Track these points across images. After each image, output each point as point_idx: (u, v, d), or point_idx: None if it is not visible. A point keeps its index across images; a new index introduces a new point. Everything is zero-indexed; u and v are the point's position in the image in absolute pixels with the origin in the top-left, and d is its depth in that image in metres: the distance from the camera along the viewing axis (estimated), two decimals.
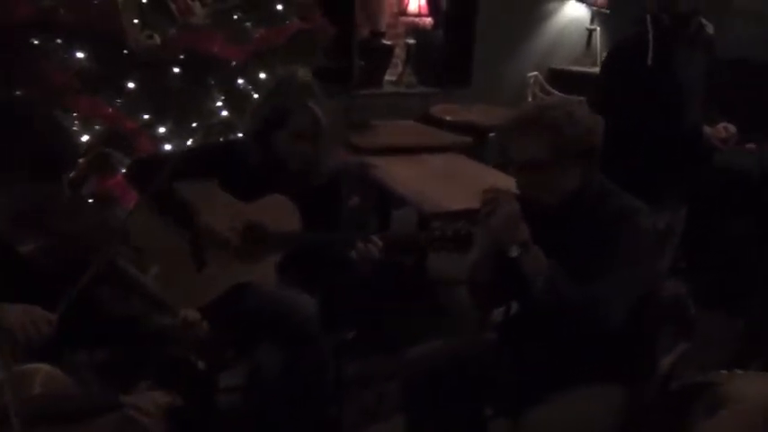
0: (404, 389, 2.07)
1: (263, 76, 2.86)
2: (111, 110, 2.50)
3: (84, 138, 2.63)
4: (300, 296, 2.10)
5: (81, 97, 2.49)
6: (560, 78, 5.36)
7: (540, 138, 1.76)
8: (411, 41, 4.85)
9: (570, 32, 5.56)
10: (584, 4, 5.43)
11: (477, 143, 4.27)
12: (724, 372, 1.61)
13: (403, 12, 4.76)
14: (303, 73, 3.05)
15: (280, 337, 2.04)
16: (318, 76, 4.00)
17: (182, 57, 2.51)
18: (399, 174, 3.43)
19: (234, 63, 2.56)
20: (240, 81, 2.61)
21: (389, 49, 4.74)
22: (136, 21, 2.43)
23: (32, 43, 2.46)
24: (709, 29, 2.63)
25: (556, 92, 5.16)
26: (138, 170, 2.19)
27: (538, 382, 1.89)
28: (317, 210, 2.21)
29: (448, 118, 4.58)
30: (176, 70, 2.52)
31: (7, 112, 1.61)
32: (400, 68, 4.97)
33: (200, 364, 2.23)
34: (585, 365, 1.83)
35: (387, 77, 4.98)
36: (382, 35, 4.71)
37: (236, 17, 2.59)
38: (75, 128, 2.63)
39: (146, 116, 2.53)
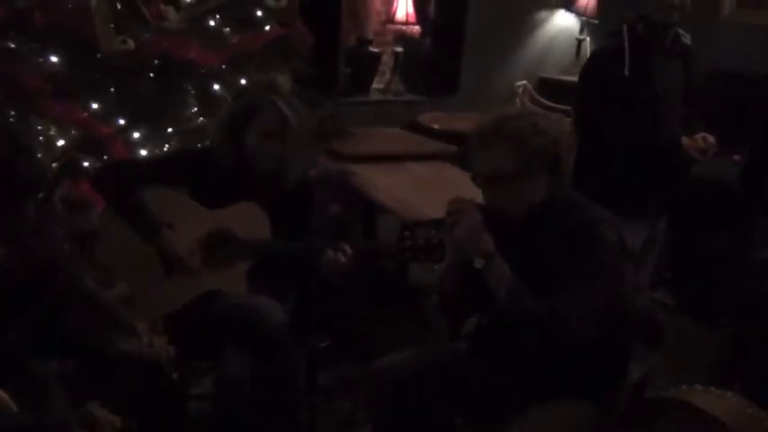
0: (371, 399, 2.06)
1: (242, 81, 2.86)
2: (84, 115, 2.48)
3: (60, 142, 2.63)
4: (268, 303, 2.07)
5: (55, 102, 2.47)
6: (550, 87, 5.36)
7: (503, 149, 1.74)
8: (399, 49, 4.84)
9: (560, 42, 5.56)
10: (573, 14, 5.43)
11: (462, 152, 4.26)
12: (690, 387, 1.59)
13: (390, 19, 4.76)
14: (283, 79, 3.04)
15: (247, 344, 2.02)
16: (302, 82, 4.01)
17: (156, 62, 2.49)
18: (382, 181, 3.41)
19: (209, 68, 2.54)
20: (216, 87, 2.59)
21: (376, 57, 4.73)
22: (112, 25, 2.41)
23: (6, 46, 2.45)
24: (687, 39, 2.63)
25: (545, 101, 5.15)
26: (105, 177, 2.17)
27: (507, 393, 1.87)
28: (287, 216, 2.19)
29: (435, 126, 4.57)
30: (151, 75, 2.50)
31: None
32: (388, 76, 4.96)
33: (174, 375, 2.22)
34: (554, 377, 1.81)
35: (375, 85, 4.97)
36: (369, 42, 4.70)
37: (212, 23, 2.58)
38: (51, 132, 2.63)
39: (120, 121, 2.51)
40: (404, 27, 4.76)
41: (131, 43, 2.41)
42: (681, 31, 2.61)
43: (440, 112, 4.87)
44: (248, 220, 2.15)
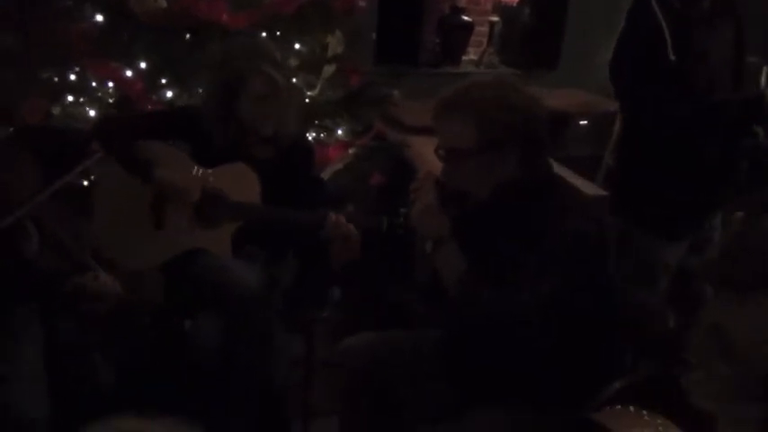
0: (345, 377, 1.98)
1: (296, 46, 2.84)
2: (120, 72, 2.58)
3: (110, 100, 2.76)
4: (243, 267, 2.06)
5: (96, 59, 2.59)
6: None
7: (462, 123, 1.57)
8: (494, 19, 4.59)
9: None
10: None
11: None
12: (624, 408, 1.38)
13: None
14: (335, 43, 2.96)
15: (218, 307, 2.02)
16: (381, 50, 3.91)
17: (186, 22, 2.52)
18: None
19: (238, 30, 2.53)
20: None
21: (469, 26, 4.51)
22: None
23: (56, 3, 2.59)
24: None
25: None
26: (104, 127, 2.24)
27: (464, 387, 1.74)
28: (277, 180, 2.15)
29: None
30: (181, 35, 2.54)
31: None
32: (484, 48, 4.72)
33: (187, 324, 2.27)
34: (509, 377, 1.64)
35: (471, 57, 4.76)
36: (462, 11, 4.49)
37: None
38: (108, 89, 2.76)
39: (152, 80, 2.58)
40: None
41: (163, 2, 2.45)
42: None
43: (536, 87, 4.57)
44: (239, 181, 2.14)
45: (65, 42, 2.54)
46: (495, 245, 1.59)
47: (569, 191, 1.67)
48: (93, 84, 2.74)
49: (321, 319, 2.39)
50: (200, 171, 2.16)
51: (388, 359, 1.87)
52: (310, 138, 2.80)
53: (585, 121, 4.43)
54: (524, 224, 1.58)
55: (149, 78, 2.57)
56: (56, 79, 2.75)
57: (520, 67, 4.64)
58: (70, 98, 2.75)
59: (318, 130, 2.98)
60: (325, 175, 2.84)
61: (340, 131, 3.11)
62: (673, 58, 2.08)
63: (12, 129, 2.41)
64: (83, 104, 2.76)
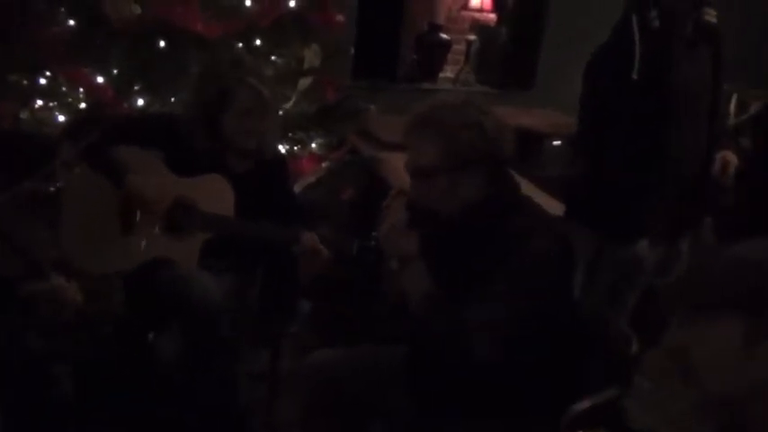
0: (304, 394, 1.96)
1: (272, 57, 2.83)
2: (93, 79, 2.55)
3: (82, 105, 2.72)
4: (209, 281, 2.03)
5: (68, 65, 2.56)
6: None
7: (430, 141, 1.58)
8: (472, 37, 4.63)
9: None
10: None
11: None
12: None
13: (465, 6, 4.56)
14: (311, 56, 2.96)
15: (182, 319, 1.99)
16: (359, 65, 3.90)
17: (161, 29, 2.51)
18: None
19: (215, 39, 2.52)
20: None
21: (446, 44, 4.55)
22: None
23: (28, 6, 2.55)
24: (712, 16, 2.18)
25: None
26: (77, 129, 2.21)
27: (425, 405, 1.72)
28: (254, 193, 2.14)
29: None
30: (155, 42, 2.52)
31: None
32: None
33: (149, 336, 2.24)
34: (471, 395, 1.63)
35: (448, 74, 4.79)
36: (440, 29, 4.53)
37: None
38: (80, 95, 2.72)
39: (125, 87, 2.55)
40: (478, 14, 4.55)
41: (137, 8, 2.44)
42: (706, 8, 2.17)
43: (511, 106, 4.61)
44: (213, 192, 2.12)
45: (36, 46, 2.50)
46: (462, 263, 1.60)
47: (536, 210, 1.68)
48: (64, 89, 2.71)
49: (289, 334, 2.36)
50: (174, 179, 2.13)
51: (351, 376, 1.85)
52: (283, 150, 2.79)
53: (559, 142, 4.48)
54: (490, 243, 1.58)
55: (121, 85, 2.54)
56: (25, 83, 2.72)
57: (496, 86, 4.69)
58: (39, 102, 2.72)
59: (292, 142, 2.97)
60: (298, 188, 2.83)
61: (314, 145, 3.11)
62: (635, 77, 2.07)
63: None
64: (52, 109, 2.73)
